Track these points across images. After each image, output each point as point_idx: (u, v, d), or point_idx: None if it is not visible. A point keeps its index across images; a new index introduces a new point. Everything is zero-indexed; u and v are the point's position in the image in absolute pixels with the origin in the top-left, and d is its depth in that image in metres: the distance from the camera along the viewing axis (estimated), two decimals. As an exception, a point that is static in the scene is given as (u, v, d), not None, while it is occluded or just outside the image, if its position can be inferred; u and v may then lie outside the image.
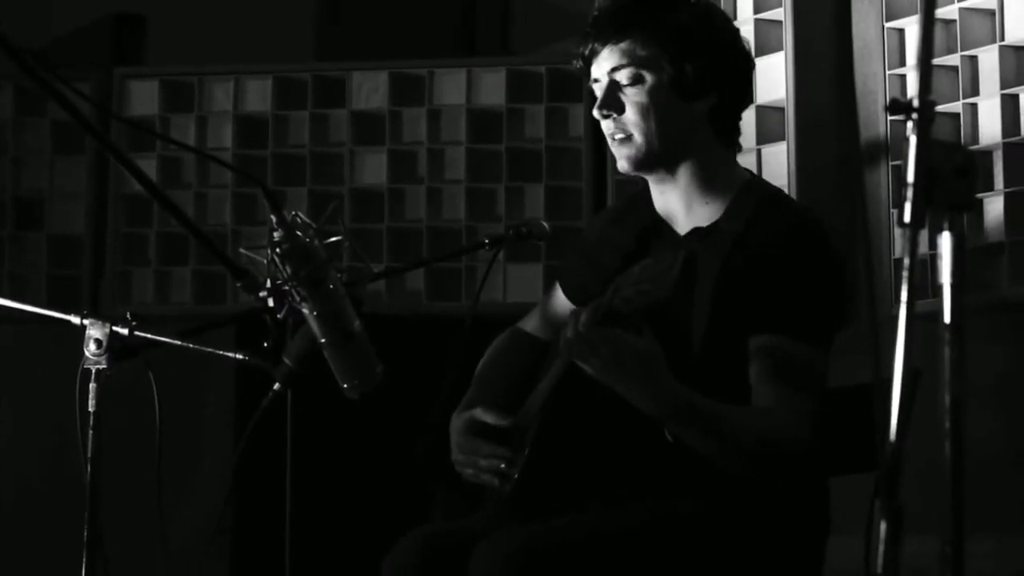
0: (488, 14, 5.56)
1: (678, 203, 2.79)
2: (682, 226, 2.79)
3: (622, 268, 2.66)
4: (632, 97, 2.74)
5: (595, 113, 2.78)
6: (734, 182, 2.78)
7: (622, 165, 2.77)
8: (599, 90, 2.78)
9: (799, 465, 2.60)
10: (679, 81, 2.72)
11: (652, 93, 2.72)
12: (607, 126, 2.77)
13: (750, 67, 2.85)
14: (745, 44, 2.84)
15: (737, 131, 2.83)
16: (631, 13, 2.74)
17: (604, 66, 2.76)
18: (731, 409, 2.58)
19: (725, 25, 2.82)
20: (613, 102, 2.75)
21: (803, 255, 2.65)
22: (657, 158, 2.75)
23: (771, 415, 2.58)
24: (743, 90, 2.82)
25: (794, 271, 2.63)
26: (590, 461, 2.64)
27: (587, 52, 2.78)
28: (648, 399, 2.51)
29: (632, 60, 2.72)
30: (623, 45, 2.73)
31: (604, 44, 2.75)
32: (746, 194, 2.75)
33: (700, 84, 2.73)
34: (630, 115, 2.74)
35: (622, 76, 2.74)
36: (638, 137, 2.74)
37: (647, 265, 2.54)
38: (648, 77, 2.72)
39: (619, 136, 2.76)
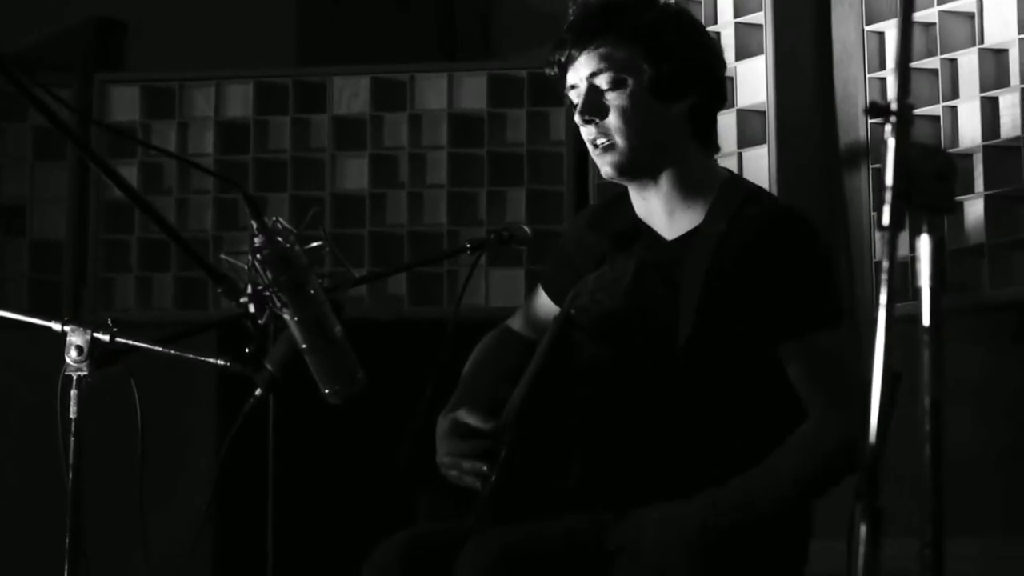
0: (469, 19, 5.55)
1: (660, 209, 2.79)
2: (665, 231, 2.79)
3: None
4: (614, 101, 2.73)
5: (576, 118, 2.77)
6: (714, 183, 2.78)
7: (606, 171, 2.77)
8: (576, 96, 2.77)
9: (853, 466, 2.61)
10: (659, 83, 2.72)
11: (633, 97, 2.72)
12: (588, 131, 2.76)
13: (723, 67, 2.85)
14: (717, 45, 2.85)
15: (714, 132, 2.83)
16: (606, 17, 2.74)
17: (582, 72, 2.75)
18: (774, 463, 2.61)
19: (695, 25, 2.83)
20: (595, 107, 2.74)
21: (791, 247, 2.66)
22: (641, 163, 2.75)
23: (818, 431, 2.61)
24: (718, 90, 2.82)
25: (787, 267, 2.64)
26: (570, 463, 2.64)
27: (564, 58, 2.77)
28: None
29: (612, 64, 2.72)
30: (601, 50, 2.73)
31: (582, 49, 2.74)
32: (727, 194, 2.75)
33: (679, 84, 2.73)
34: (613, 120, 2.73)
35: (602, 80, 2.74)
36: (621, 142, 2.73)
37: (603, 273, 2.57)
38: (629, 81, 2.72)
39: (601, 142, 2.75)
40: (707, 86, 2.78)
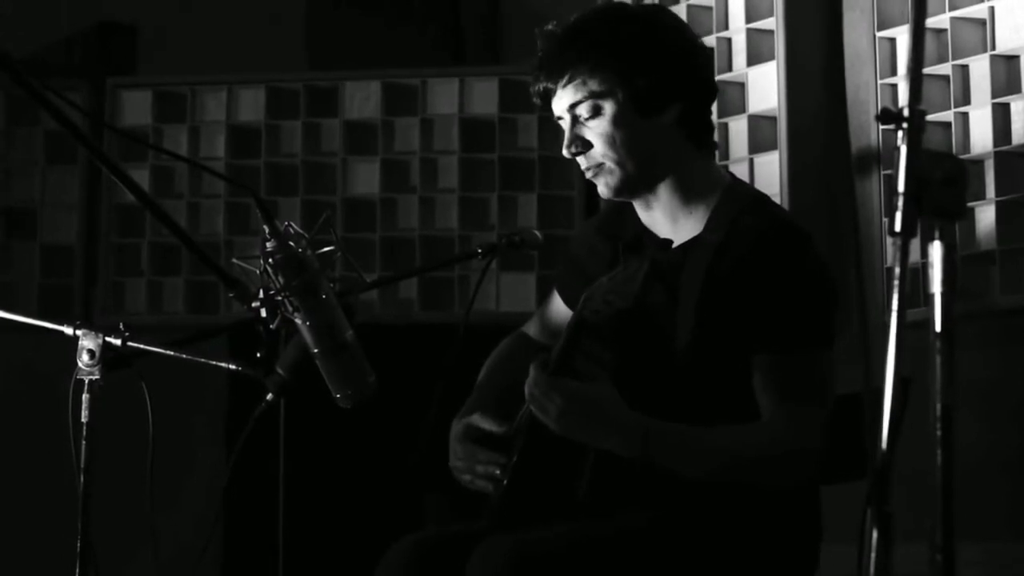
0: (479, 23, 5.56)
1: (663, 217, 2.77)
2: (669, 238, 2.77)
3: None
4: (596, 129, 2.70)
5: (564, 153, 2.75)
6: (715, 188, 2.76)
7: (603, 192, 2.76)
8: (564, 126, 2.75)
9: (810, 473, 2.62)
10: (637, 101, 2.68)
11: (614, 121, 2.69)
12: (580, 162, 2.75)
13: (708, 62, 2.81)
14: (695, 38, 2.78)
15: (710, 130, 2.81)
16: (572, 48, 2.70)
17: (561, 104, 2.73)
18: (717, 429, 2.61)
19: (669, 27, 2.76)
20: (578, 140, 2.72)
21: (784, 261, 2.64)
22: (636, 182, 2.73)
23: (774, 428, 2.59)
24: (706, 88, 2.78)
25: (778, 280, 2.63)
26: (581, 467, 2.64)
27: (542, 93, 2.75)
28: (612, 437, 2.57)
29: (586, 94, 2.69)
30: (575, 81, 2.69)
31: (555, 84, 2.72)
32: (727, 202, 2.74)
33: (659, 97, 2.69)
34: (598, 148, 2.71)
35: (581, 111, 2.70)
36: (612, 166, 2.71)
37: (615, 275, 2.58)
38: (606, 107, 2.69)
39: (592, 171, 2.74)
40: (692, 88, 2.74)
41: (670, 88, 2.70)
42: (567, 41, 2.71)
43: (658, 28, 2.73)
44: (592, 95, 2.69)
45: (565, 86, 2.71)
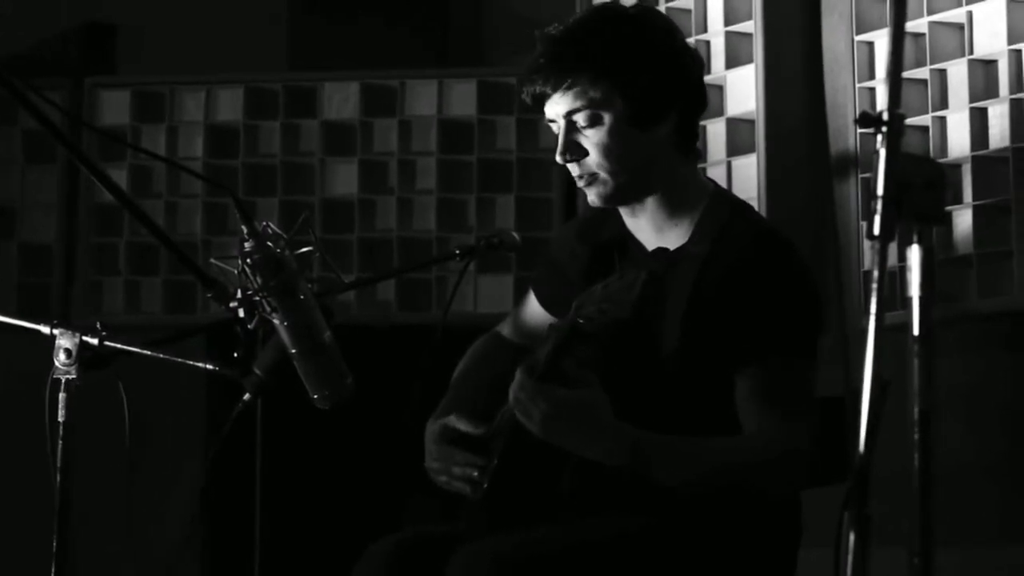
0: (460, 25, 5.56)
1: (648, 226, 2.76)
2: (653, 246, 2.77)
3: (583, 283, 2.68)
4: (592, 138, 2.68)
5: (557, 159, 2.72)
6: (700, 198, 2.76)
7: (593, 201, 2.74)
8: (556, 129, 2.72)
9: (805, 475, 2.63)
10: (635, 113, 2.67)
11: (612, 132, 2.67)
12: (572, 169, 2.72)
13: (700, 69, 2.79)
14: (688, 48, 2.78)
15: (696, 137, 2.79)
16: (572, 54, 2.66)
17: (558, 109, 2.69)
18: (708, 438, 2.60)
19: (663, 33, 2.73)
20: (574, 147, 2.70)
21: (768, 270, 2.65)
22: (627, 192, 2.72)
23: (766, 433, 2.59)
24: (699, 95, 2.77)
25: (764, 291, 2.63)
26: (563, 469, 2.64)
27: (536, 96, 2.72)
28: (599, 445, 2.55)
29: (586, 102, 2.66)
30: (574, 89, 2.66)
31: (554, 89, 2.68)
32: (711, 212, 2.73)
33: (657, 109, 2.68)
34: (593, 157, 2.69)
35: (579, 118, 2.68)
36: (605, 176, 2.69)
37: (610, 283, 2.56)
38: (605, 117, 2.67)
39: (584, 180, 2.72)
40: (688, 97, 2.74)
41: (668, 99, 2.69)
42: (570, 46, 2.68)
43: (651, 32, 2.72)
44: (592, 104, 2.67)
45: (564, 92, 2.68)
